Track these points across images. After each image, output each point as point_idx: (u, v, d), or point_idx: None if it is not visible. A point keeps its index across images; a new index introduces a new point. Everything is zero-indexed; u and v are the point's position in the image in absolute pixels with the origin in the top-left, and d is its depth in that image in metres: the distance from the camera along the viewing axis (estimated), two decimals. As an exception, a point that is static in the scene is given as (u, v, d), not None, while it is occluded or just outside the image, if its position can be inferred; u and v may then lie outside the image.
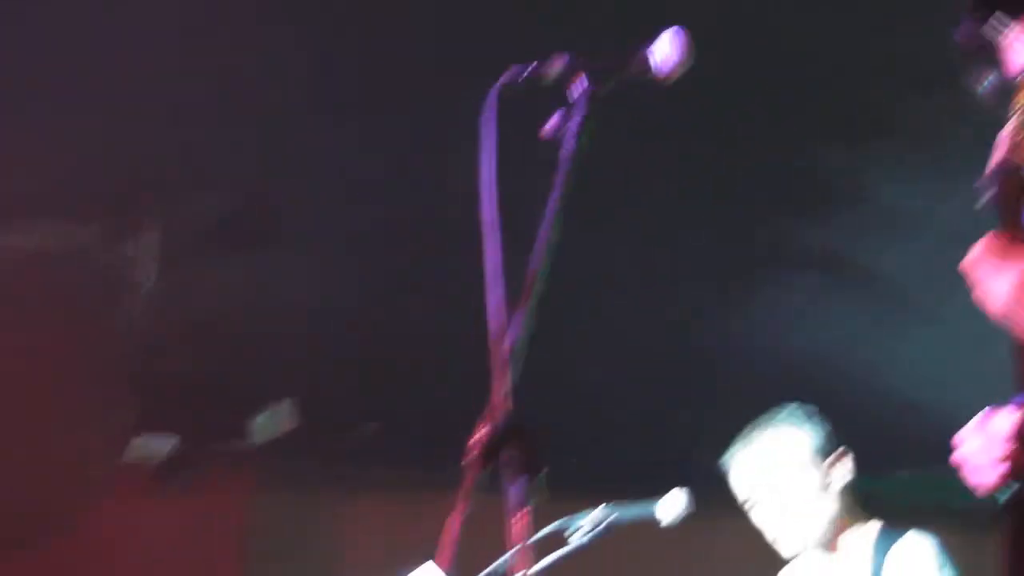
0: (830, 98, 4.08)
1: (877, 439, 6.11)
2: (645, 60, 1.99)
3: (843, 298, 5.34)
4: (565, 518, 3.38)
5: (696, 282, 5.20)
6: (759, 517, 3.43)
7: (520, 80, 1.98)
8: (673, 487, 3.27)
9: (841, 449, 3.42)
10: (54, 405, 4.98)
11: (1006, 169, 1.77)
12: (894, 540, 3.30)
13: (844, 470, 3.41)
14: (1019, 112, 1.77)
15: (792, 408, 3.53)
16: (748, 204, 4.69)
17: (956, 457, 2.01)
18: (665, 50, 1.99)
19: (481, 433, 1.78)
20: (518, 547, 1.78)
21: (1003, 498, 1.92)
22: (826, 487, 3.38)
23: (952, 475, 2.01)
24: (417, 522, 2.65)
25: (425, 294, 5.08)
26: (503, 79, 1.97)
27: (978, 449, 1.98)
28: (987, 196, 1.80)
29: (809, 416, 3.49)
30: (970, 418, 2.00)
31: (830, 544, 3.36)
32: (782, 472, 3.40)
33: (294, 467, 6.18)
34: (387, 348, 5.52)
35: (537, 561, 2.87)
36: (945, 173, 4.25)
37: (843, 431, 3.60)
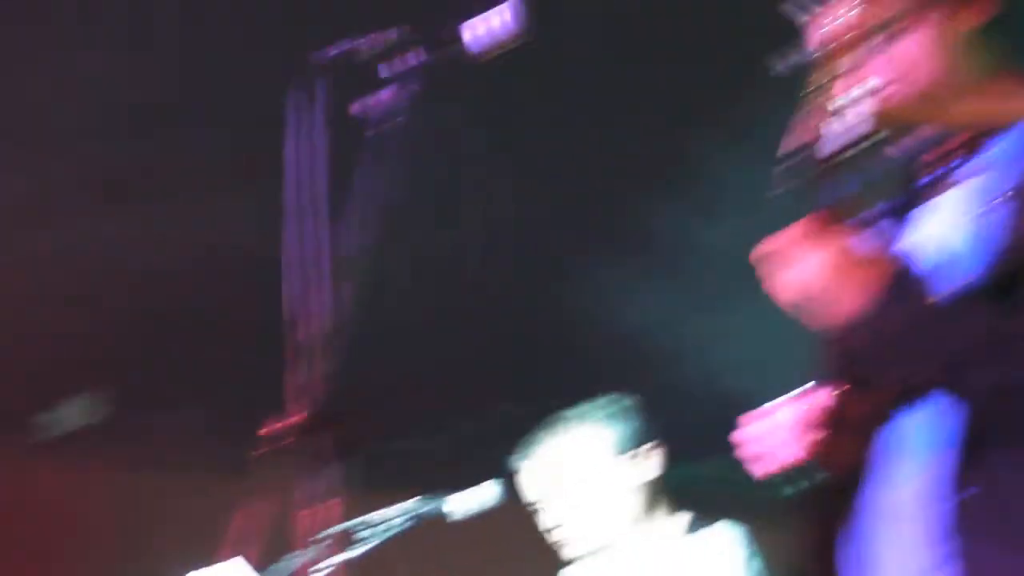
0: (663, 80, 4.12)
1: (697, 424, 6.25)
2: (474, 33, 1.95)
3: (674, 281, 5.41)
4: (377, 511, 3.36)
5: (527, 263, 5.21)
6: (561, 512, 3.42)
7: (343, 55, 1.92)
8: (489, 478, 3.28)
9: (649, 444, 3.43)
10: None
11: (806, 151, 1.77)
12: (702, 532, 3.33)
13: (650, 466, 3.42)
14: (816, 92, 1.76)
15: (604, 400, 3.53)
16: (581, 181, 4.71)
17: (739, 441, 2.04)
18: (494, 24, 1.96)
19: (295, 418, 1.73)
20: (325, 535, 1.74)
21: (791, 490, 1.95)
22: (632, 483, 3.40)
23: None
24: (227, 510, 2.57)
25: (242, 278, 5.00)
26: (325, 55, 1.92)
27: (761, 436, 2.01)
28: (787, 180, 1.79)
29: (620, 408, 3.50)
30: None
31: (636, 539, 3.37)
32: (586, 467, 3.41)
33: (106, 451, 6.02)
34: (200, 333, 5.42)
35: (346, 551, 2.83)
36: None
37: (661, 416, 3.63)
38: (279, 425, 1.72)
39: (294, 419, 1.74)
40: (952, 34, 1.95)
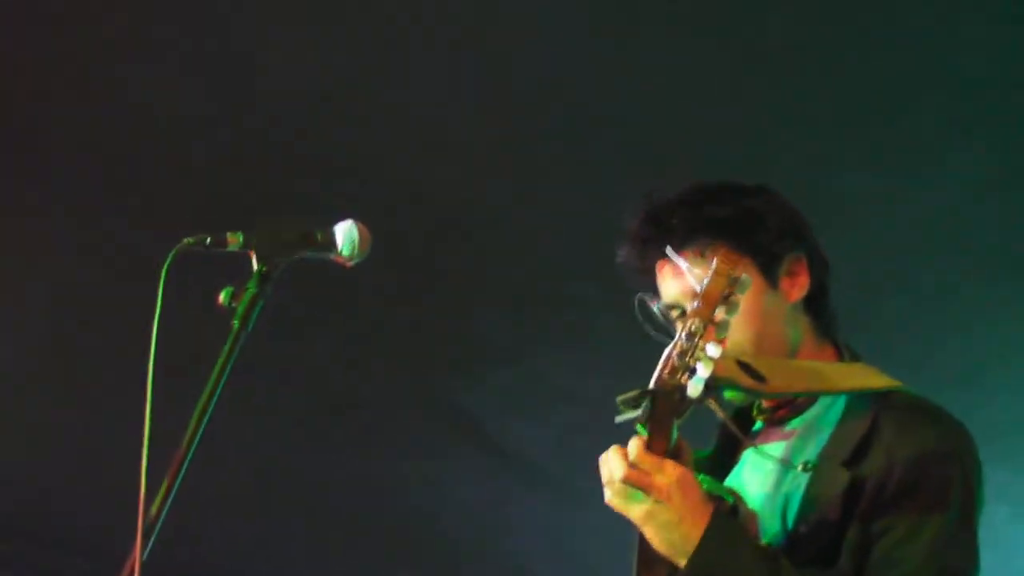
0: (497, 265, 4.24)
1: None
2: (330, 240, 2.05)
3: (477, 463, 5.46)
4: None
5: (344, 437, 5.23)
6: None
7: (199, 248, 1.99)
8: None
9: None
10: None
11: (663, 388, 1.90)
12: None
13: None
14: (684, 338, 1.89)
15: None
16: (404, 358, 4.77)
17: None
18: (352, 236, 2.05)
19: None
20: None
21: None
22: None
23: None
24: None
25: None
26: (184, 244, 1.98)
27: None
28: (641, 411, 1.91)
29: None
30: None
31: None
32: None
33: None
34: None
35: None
36: (599, 349, 4.44)
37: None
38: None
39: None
40: (780, 302, 2.16)
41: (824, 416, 2.10)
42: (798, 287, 2.17)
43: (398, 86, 3.67)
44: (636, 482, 1.91)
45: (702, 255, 2.11)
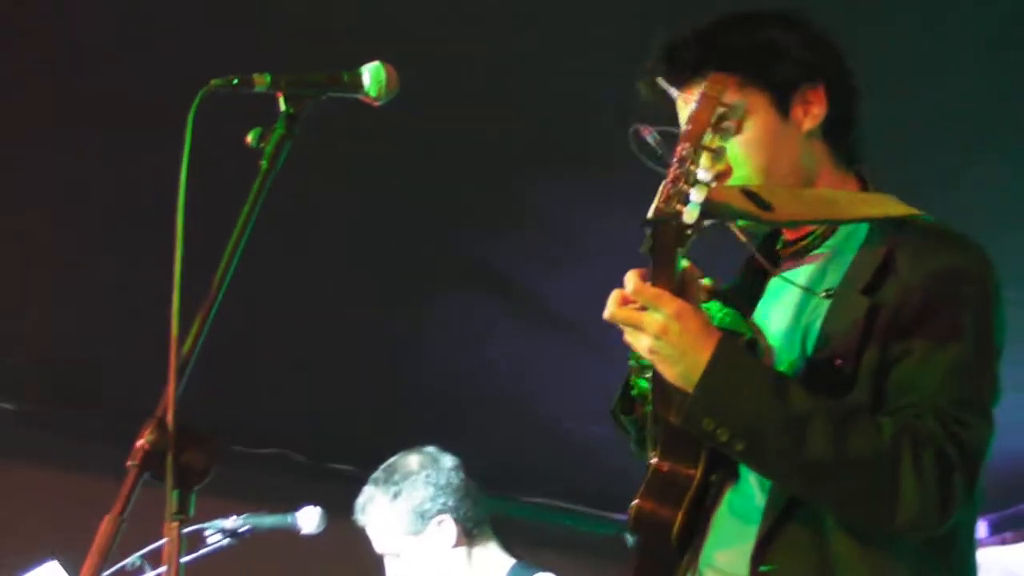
0: (522, 124, 4.21)
1: (518, 465, 6.34)
2: (358, 80, 2.04)
3: (517, 322, 5.47)
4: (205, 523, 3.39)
5: (375, 292, 5.24)
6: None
7: (226, 89, 1.97)
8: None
9: (440, 516, 3.49)
10: None
11: (661, 217, 1.88)
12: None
13: (444, 536, 3.49)
14: (676, 164, 1.87)
15: (416, 453, 3.60)
16: (434, 217, 4.77)
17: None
18: (379, 75, 2.04)
19: (145, 436, 1.76)
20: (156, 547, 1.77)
21: (632, 539, 2.07)
22: (428, 549, 3.48)
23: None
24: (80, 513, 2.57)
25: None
26: (211, 85, 1.96)
27: None
28: (647, 241, 1.91)
29: (431, 462, 3.57)
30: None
31: None
32: (382, 530, 3.51)
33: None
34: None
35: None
36: (629, 203, 4.42)
37: (485, 454, 3.68)
38: (139, 440, 1.75)
39: (149, 435, 1.76)
40: (792, 132, 2.14)
41: (846, 243, 2.10)
42: (811, 116, 2.15)
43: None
44: (627, 319, 1.92)
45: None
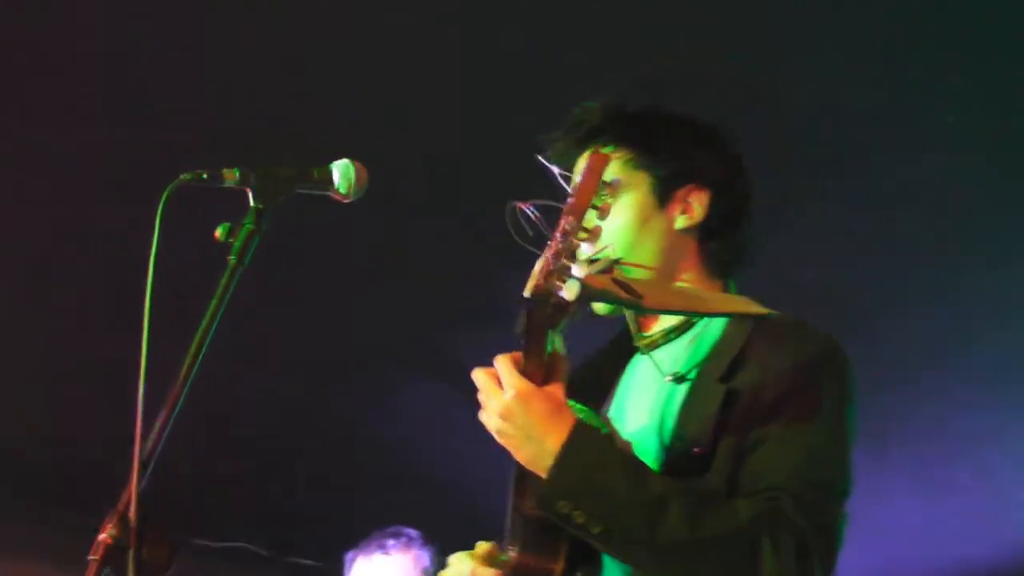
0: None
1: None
2: (327, 177, 2.05)
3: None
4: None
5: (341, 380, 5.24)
6: None
7: (196, 183, 1.99)
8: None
9: None
10: None
11: (540, 296, 1.85)
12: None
13: None
14: (559, 237, 1.82)
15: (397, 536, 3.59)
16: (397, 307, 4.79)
17: None
18: (349, 173, 2.06)
19: (107, 530, 1.75)
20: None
21: None
22: None
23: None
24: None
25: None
26: (181, 179, 1.98)
27: None
28: (521, 321, 1.90)
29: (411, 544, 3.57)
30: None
31: None
32: None
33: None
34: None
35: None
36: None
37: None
38: (101, 533, 1.74)
39: (103, 533, 1.75)
40: (663, 223, 2.18)
41: (703, 335, 2.11)
42: (687, 216, 2.19)
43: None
44: (484, 399, 1.92)
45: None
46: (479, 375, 1.93)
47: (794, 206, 3.96)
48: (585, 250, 1.82)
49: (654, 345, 2.17)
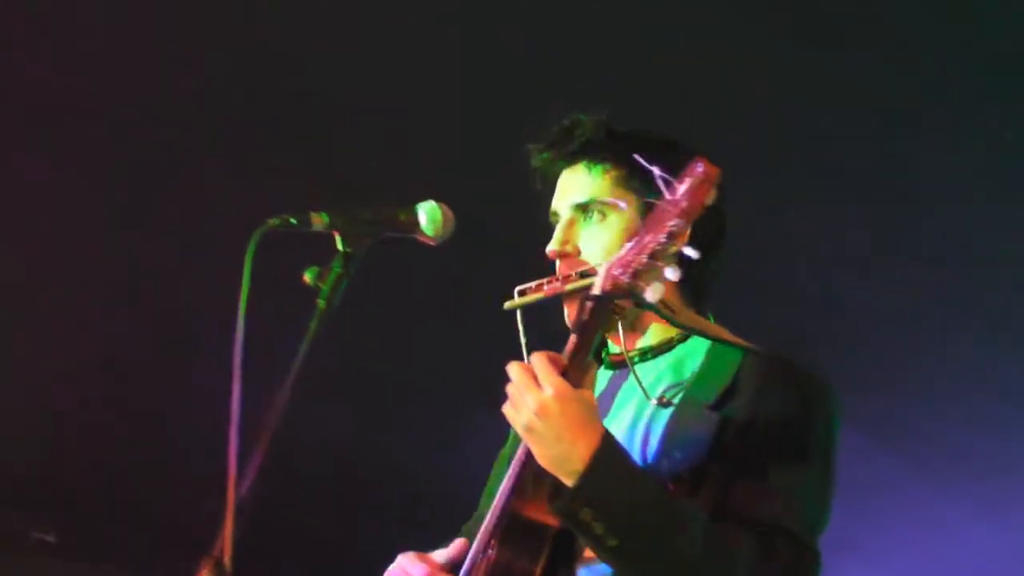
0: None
1: None
2: (414, 219, 2.06)
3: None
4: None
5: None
6: None
7: (284, 228, 2.00)
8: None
9: None
10: None
11: (616, 292, 1.87)
12: None
13: None
14: (652, 240, 1.86)
15: None
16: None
17: None
18: (435, 215, 2.07)
19: (203, 574, 1.76)
20: None
21: None
22: None
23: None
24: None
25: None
26: (267, 225, 1.98)
27: None
28: (580, 314, 1.91)
29: None
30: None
31: None
32: None
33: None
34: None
35: None
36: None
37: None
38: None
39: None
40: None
41: (683, 359, 2.12)
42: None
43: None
44: (516, 393, 1.89)
45: (591, 169, 2.18)
46: (515, 369, 1.90)
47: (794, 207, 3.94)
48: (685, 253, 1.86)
49: (629, 363, 2.14)
